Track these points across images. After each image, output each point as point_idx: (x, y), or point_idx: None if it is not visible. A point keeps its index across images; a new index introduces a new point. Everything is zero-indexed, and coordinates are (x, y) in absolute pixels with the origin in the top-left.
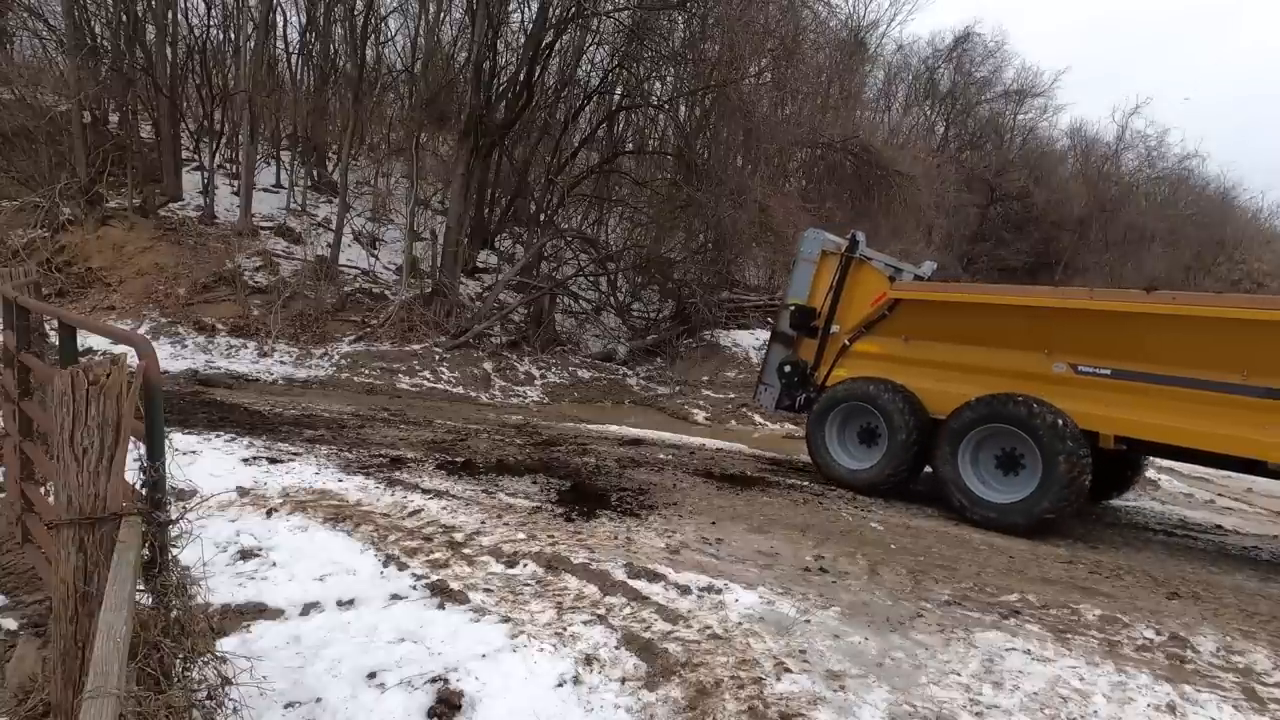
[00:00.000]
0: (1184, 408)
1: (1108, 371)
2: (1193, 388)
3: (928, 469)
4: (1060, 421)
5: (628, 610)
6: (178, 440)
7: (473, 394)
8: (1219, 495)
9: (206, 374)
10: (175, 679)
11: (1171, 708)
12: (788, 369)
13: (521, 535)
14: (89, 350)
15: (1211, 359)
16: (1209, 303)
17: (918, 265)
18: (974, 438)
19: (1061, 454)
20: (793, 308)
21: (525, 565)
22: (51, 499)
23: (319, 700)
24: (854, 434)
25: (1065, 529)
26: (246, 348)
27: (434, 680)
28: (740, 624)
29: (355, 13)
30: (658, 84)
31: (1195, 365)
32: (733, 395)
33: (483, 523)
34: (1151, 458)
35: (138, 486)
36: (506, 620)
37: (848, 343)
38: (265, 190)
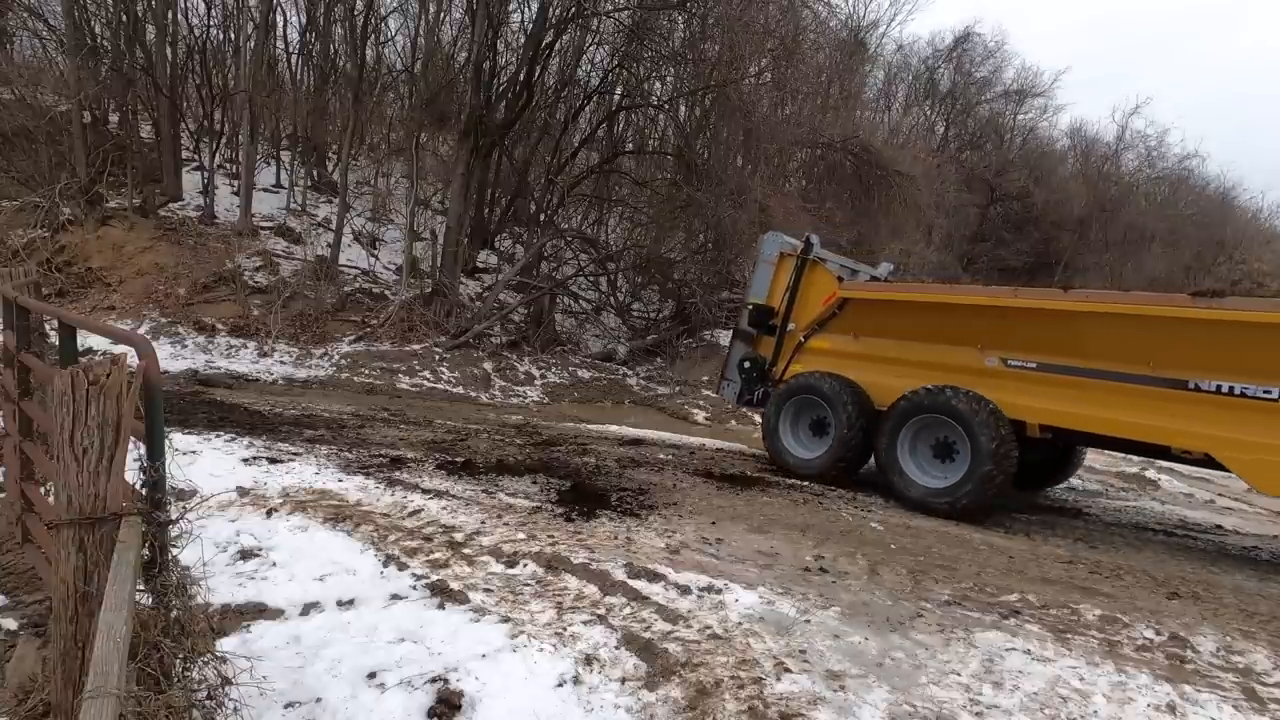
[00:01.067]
0: (1099, 398)
1: (1034, 365)
2: (1106, 379)
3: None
4: (987, 411)
5: (628, 610)
6: (178, 440)
7: (473, 394)
8: (1219, 495)
9: (206, 374)
10: (175, 679)
11: (1171, 708)
12: (747, 365)
13: (521, 535)
14: (89, 350)
15: (1122, 352)
16: (1118, 300)
17: (875, 267)
18: (912, 427)
19: (988, 441)
20: (751, 307)
21: (525, 565)
22: (51, 499)
23: (319, 700)
24: (806, 425)
25: (1065, 529)
26: (246, 348)
27: (434, 680)
28: (740, 624)
29: (355, 13)
30: (658, 84)
31: (1108, 358)
32: None
33: (483, 523)
34: (1087, 448)
35: (138, 486)
36: (506, 620)
37: (803, 340)
38: (265, 190)
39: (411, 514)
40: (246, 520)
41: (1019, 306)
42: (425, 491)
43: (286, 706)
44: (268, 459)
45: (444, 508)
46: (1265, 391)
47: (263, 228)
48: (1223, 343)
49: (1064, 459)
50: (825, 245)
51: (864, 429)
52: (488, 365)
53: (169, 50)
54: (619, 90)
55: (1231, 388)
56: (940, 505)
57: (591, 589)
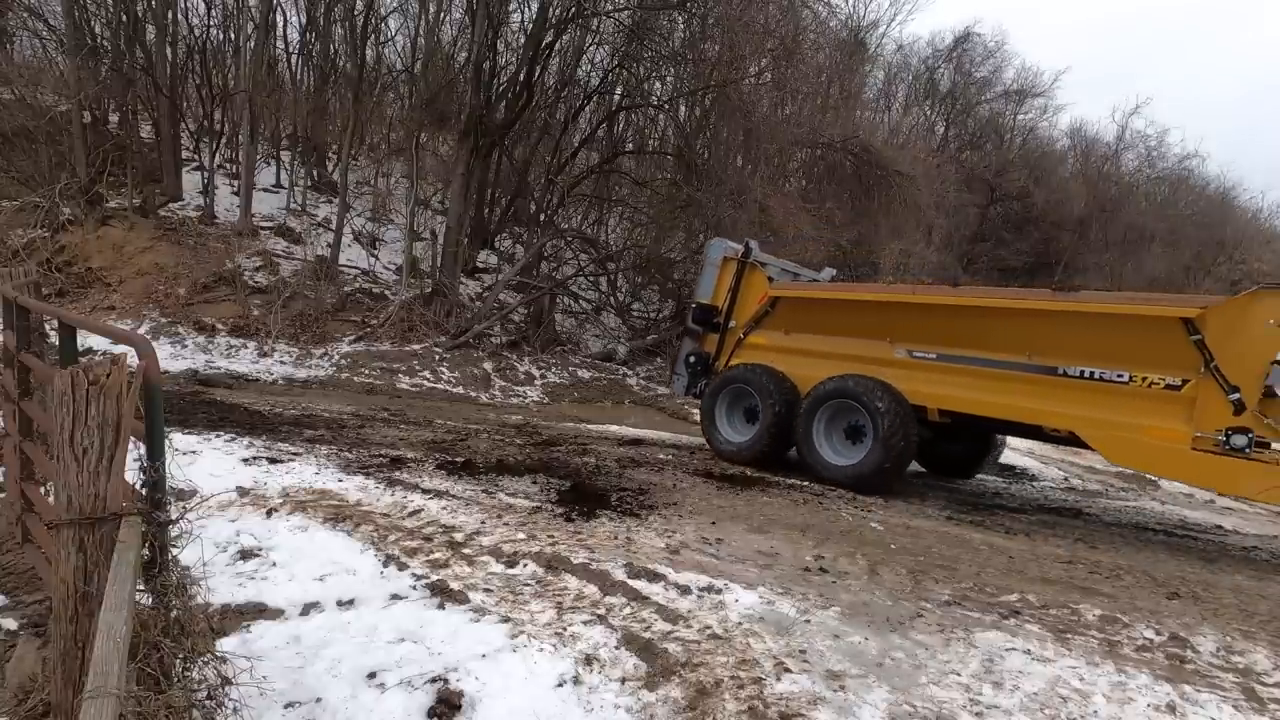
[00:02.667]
0: (985, 384)
1: (933, 356)
2: (992, 367)
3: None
4: (887, 397)
5: (628, 610)
6: (178, 440)
7: (473, 394)
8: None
9: (206, 374)
10: (175, 679)
11: (1171, 708)
12: (692, 359)
13: (521, 535)
14: (89, 350)
15: (1004, 343)
16: (995, 295)
17: (819, 271)
18: (825, 412)
19: (887, 424)
20: (696, 306)
21: (525, 565)
22: (51, 499)
23: (319, 700)
24: (739, 414)
25: (1065, 530)
26: (246, 348)
27: (434, 680)
28: (740, 624)
29: (355, 13)
30: (658, 84)
31: (993, 348)
32: None
33: (483, 523)
34: (1007, 437)
35: (138, 486)
36: (506, 620)
37: (742, 336)
38: (265, 190)
39: (411, 514)
40: (246, 520)
41: (917, 302)
42: (425, 491)
43: (286, 706)
44: (268, 459)
45: (444, 508)
46: (1118, 375)
47: (263, 228)
48: (1082, 332)
49: (984, 448)
50: (825, 246)
51: (789, 415)
52: (488, 365)
53: (169, 50)
54: (619, 90)
55: (1091, 372)
56: (847, 480)
57: (591, 589)
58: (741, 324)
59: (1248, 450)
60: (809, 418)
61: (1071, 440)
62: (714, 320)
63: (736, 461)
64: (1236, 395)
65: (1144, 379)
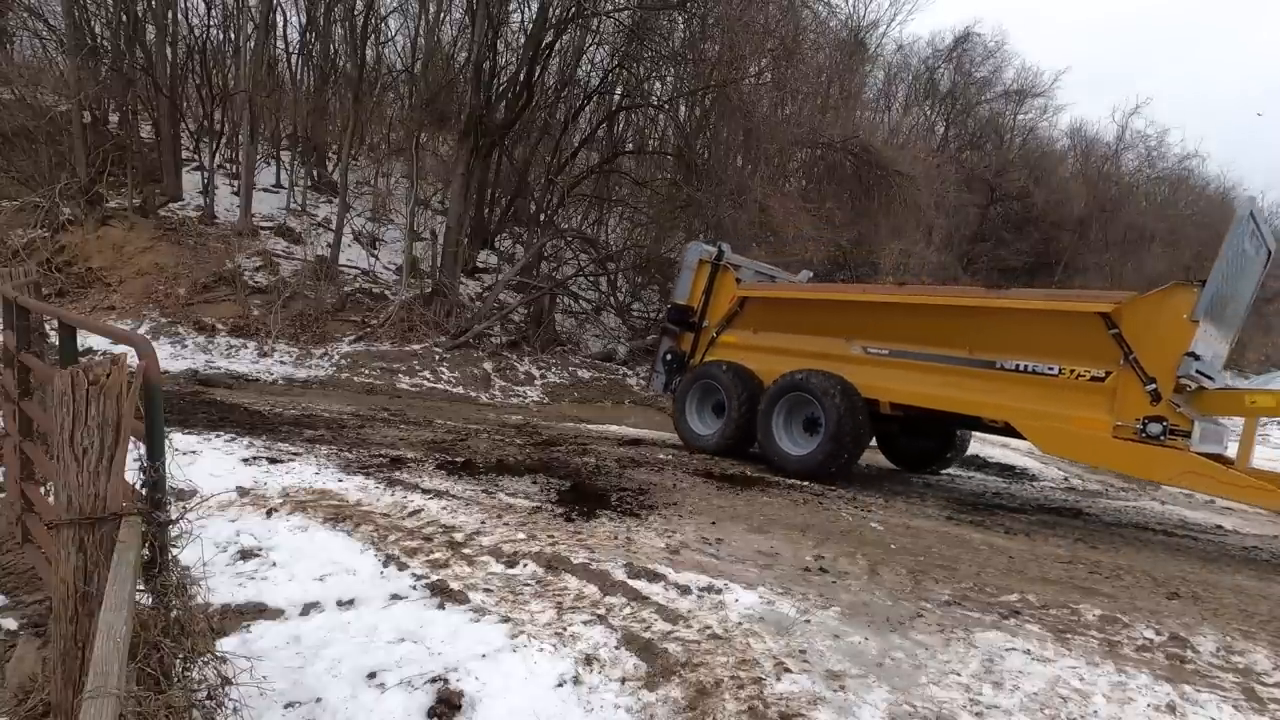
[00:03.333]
0: (932, 378)
1: (886, 352)
2: (937, 362)
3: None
4: (838, 390)
5: (628, 610)
6: (178, 440)
7: (473, 394)
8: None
9: (206, 374)
10: (175, 679)
11: (1171, 708)
12: (669, 357)
13: (521, 535)
14: (89, 350)
15: (948, 339)
16: (938, 294)
17: (796, 274)
18: (784, 406)
19: (839, 416)
20: (671, 306)
21: (525, 565)
22: (51, 499)
23: (319, 700)
24: (709, 408)
25: (1065, 529)
26: (246, 348)
27: (434, 680)
28: (740, 624)
29: (355, 13)
30: (658, 84)
31: (938, 344)
32: None
33: (483, 523)
34: (971, 433)
35: (138, 486)
36: (506, 620)
37: (715, 335)
38: (265, 190)
39: (411, 514)
40: (246, 520)
41: (869, 301)
42: (425, 491)
43: (286, 706)
44: (268, 459)
45: (444, 508)
46: (1049, 369)
47: (263, 228)
48: (1016, 328)
49: (947, 444)
50: (825, 246)
51: (752, 409)
52: (488, 365)
53: (169, 50)
54: (619, 90)
55: (1025, 366)
56: (802, 470)
57: (591, 589)
58: (714, 323)
59: (1162, 438)
60: (769, 411)
61: (1007, 431)
62: (690, 320)
63: (702, 451)
64: (1153, 386)
65: (1072, 371)
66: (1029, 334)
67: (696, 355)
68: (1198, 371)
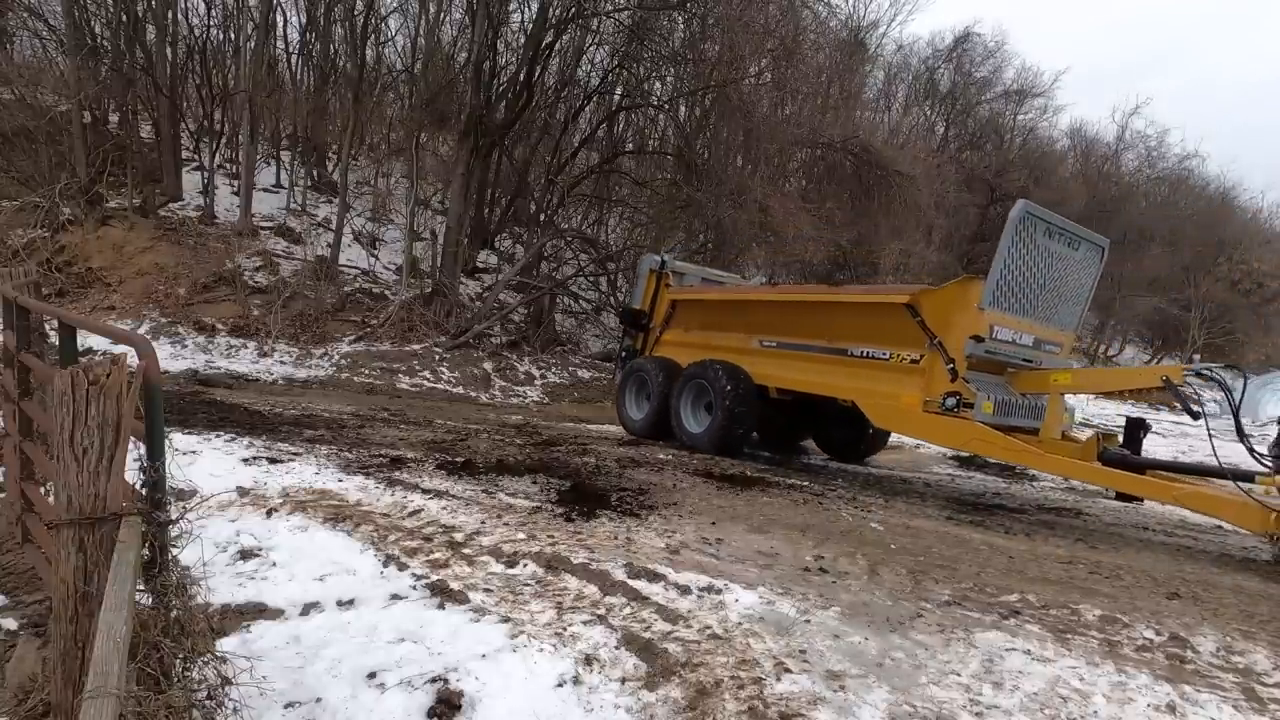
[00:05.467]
0: (803, 366)
1: (774, 344)
2: (807, 351)
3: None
4: (727, 377)
5: (628, 610)
6: (178, 440)
7: (473, 394)
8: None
9: (206, 374)
10: (175, 679)
11: (1171, 708)
12: (624, 354)
13: (521, 535)
14: (89, 350)
15: (813, 331)
16: (796, 291)
17: (746, 278)
18: (689, 392)
19: (724, 399)
20: (625, 310)
21: (525, 565)
22: (51, 499)
23: (319, 700)
24: (643, 397)
25: (1065, 530)
26: (246, 348)
27: (434, 680)
28: (740, 624)
29: (355, 13)
30: (658, 84)
31: (807, 335)
32: None
33: (483, 523)
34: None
35: (138, 486)
36: (506, 620)
37: (659, 334)
38: (265, 190)
39: (411, 514)
40: (246, 520)
41: (756, 300)
42: (425, 491)
43: (286, 706)
44: (268, 459)
45: (444, 508)
46: (883, 354)
47: (263, 228)
48: (855, 320)
49: (862, 434)
50: (825, 246)
51: (669, 395)
52: (488, 365)
53: (169, 50)
54: (619, 90)
55: (866, 352)
56: (700, 443)
57: (591, 589)
58: (657, 324)
59: (956, 410)
60: (679, 396)
61: (854, 410)
62: (642, 322)
63: (636, 434)
64: (951, 365)
65: (898, 356)
66: (866, 325)
67: (645, 352)
68: (987, 353)
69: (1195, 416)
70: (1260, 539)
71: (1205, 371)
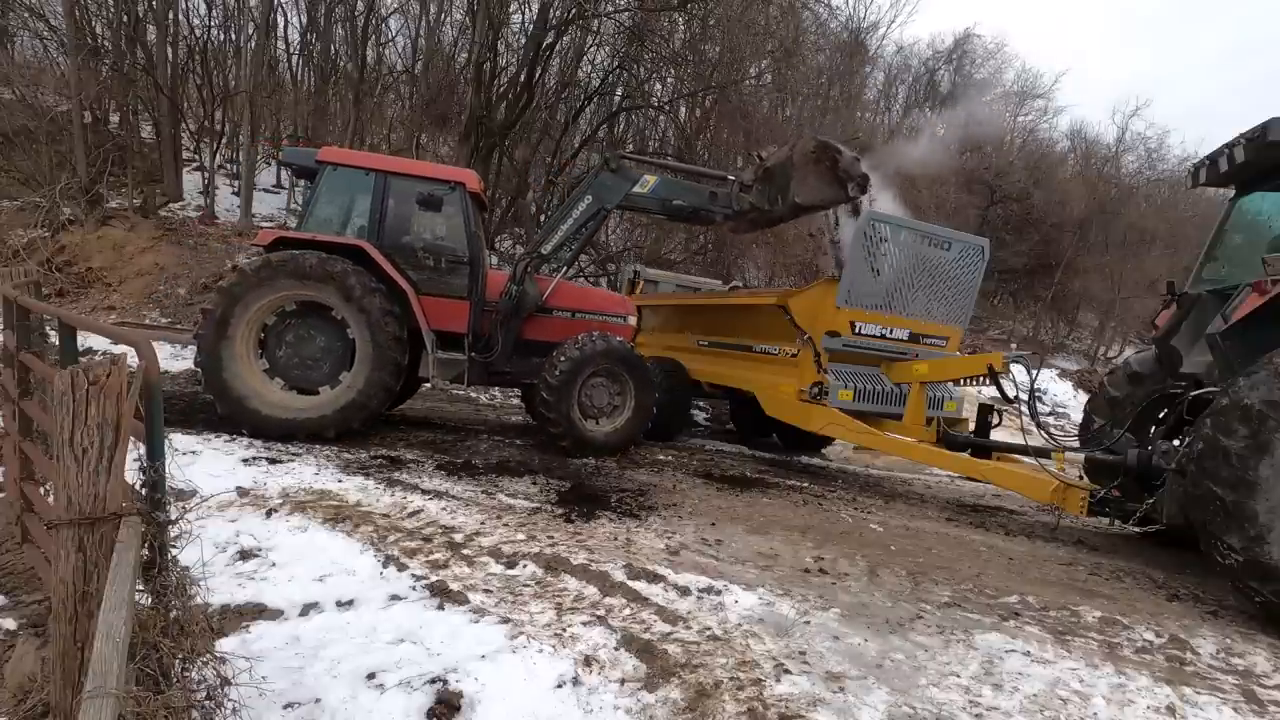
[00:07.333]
0: (723, 362)
1: (707, 343)
2: (724, 349)
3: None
4: (662, 372)
5: (627, 611)
6: (178, 440)
7: (473, 394)
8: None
9: None
10: (174, 679)
11: (1171, 710)
12: None
13: (521, 536)
14: (89, 350)
15: (728, 330)
16: (709, 296)
17: (724, 284)
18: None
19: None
20: None
21: (525, 566)
22: (51, 499)
23: (318, 701)
24: None
25: (1065, 531)
26: None
27: (433, 681)
28: (740, 625)
29: (356, 13)
30: (658, 85)
31: (724, 335)
32: None
33: (482, 523)
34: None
35: (138, 486)
36: (506, 621)
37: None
38: (265, 190)
39: (411, 514)
40: (246, 520)
41: (687, 304)
42: (425, 492)
43: (286, 707)
44: (267, 459)
45: (444, 508)
46: (774, 350)
47: (263, 228)
48: (753, 320)
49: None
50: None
51: None
52: None
53: (170, 50)
54: (619, 91)
55: (763, 349)
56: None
57: (591, 590)
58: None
59: (820, 398)
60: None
61: (753, 400)
62: None
63: None
64: (818, 358)
65: (784, 351)
66: (760, 324)
67: None
68: (850, 346)
69: (1010, 400)
70: (1047, 509)
71: (1018, 359)
